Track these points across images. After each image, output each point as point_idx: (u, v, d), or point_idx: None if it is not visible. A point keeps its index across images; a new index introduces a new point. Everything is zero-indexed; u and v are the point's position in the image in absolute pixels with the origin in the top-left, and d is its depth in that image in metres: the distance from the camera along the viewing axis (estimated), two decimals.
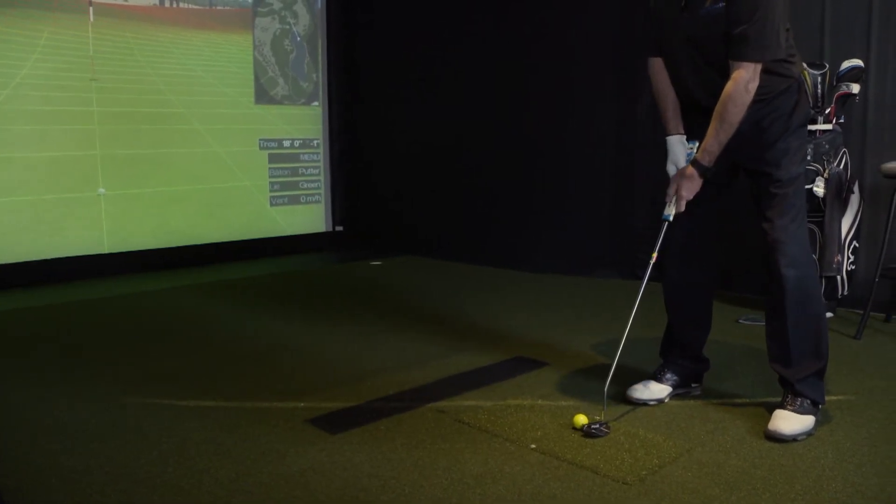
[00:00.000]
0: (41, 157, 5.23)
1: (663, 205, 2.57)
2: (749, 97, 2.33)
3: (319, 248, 6.76)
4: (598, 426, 2.45)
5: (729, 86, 2.33)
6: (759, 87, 2.37)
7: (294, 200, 6.67)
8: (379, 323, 3.99)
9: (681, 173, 2.48)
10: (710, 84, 2.44)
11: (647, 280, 2.57)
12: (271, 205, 6.50)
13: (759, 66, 2.32)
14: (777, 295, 2.48)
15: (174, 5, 5.84)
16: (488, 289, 4.95)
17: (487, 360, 3.27)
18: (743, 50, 2.30)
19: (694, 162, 2.45)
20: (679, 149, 2.56)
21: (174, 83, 5.85)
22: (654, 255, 2.54)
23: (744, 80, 2.31)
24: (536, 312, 4.21)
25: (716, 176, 2.52)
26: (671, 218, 2.52)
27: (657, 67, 2.61)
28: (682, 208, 2.49)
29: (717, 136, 2.38)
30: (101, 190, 5.50)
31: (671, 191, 2.52)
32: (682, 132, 2.59)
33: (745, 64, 2.31)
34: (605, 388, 2.56)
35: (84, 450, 2.34)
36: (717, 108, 2.36)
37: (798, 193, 2.49)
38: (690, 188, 2.47)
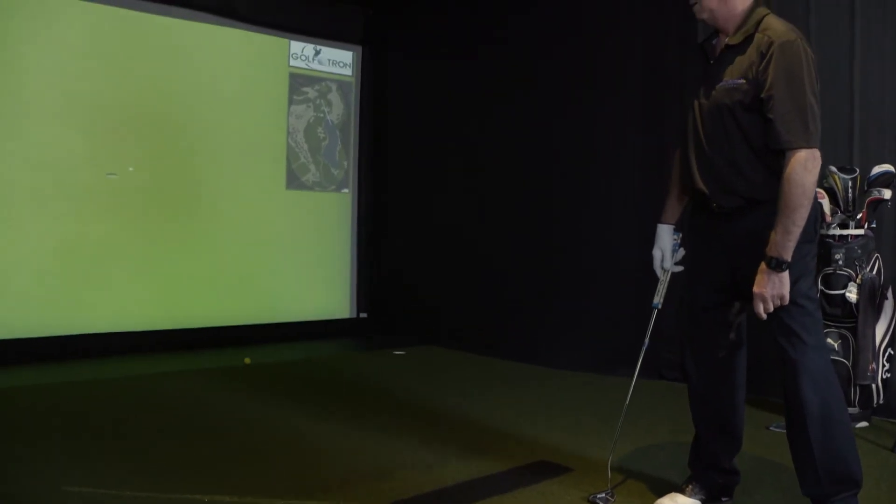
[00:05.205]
0: (68, 231, 5.30)
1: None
2: (810, 177, 2.22)
3: (343, 333, 6.73)
4: (603, 495, 2.66)
5: (786, 169, 2.24)
6: (756, 186, 2.35)
7: (320, 285, 6.68)
8: (399, 416, 3.93)
9: (760, 278, 2.30)
10: (713, 165, 2.43)
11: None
12: (297, 288, 6.52)
13: (814, 149, 2.23)
14: (798, 422, 2.36)
15: (211, 87, 5.97)
16: (511, 385, 4.87)
17: (510, 463, 3.18)
18: (789, 134, 2.23)
19: (766, 258, 2.28)
20: (666, 237, 2.71)
21: (206, 165, 5.97)
22: (646, 341, 2.78)
23: (801, 160, 2.22)
24: (559, 413, 4.11)
25: (719, 282, 2.52)
26: (660, 305, 2.73)
27: (677, 157, 2.68)
28: (766, 309, 2.31)
29: (784, 224, 2.24)
30: (127, 267, 5.55)
31: (665, 278, 2.71)
32: (673, 223, 2.73)
33: (797, 150, 2.23)
34: (609, 458, 2.84)
35: None
36: (779, 196, 2.25)
37: (808, 310, 2.35)
38: (771, 287, 2.28)
